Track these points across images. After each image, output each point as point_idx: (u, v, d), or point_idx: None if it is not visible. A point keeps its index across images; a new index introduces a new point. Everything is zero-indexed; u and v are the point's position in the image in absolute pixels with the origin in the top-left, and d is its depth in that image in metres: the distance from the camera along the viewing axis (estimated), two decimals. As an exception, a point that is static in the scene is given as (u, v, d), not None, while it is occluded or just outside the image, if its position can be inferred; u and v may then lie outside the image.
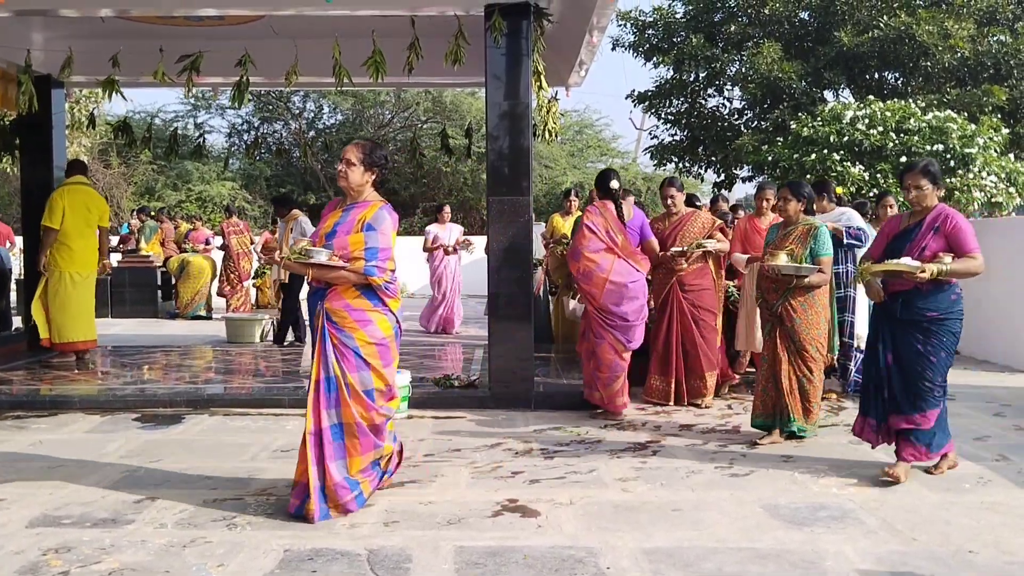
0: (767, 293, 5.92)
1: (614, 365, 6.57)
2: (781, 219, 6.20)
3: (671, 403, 7.00)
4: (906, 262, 4.87)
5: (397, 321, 4.55)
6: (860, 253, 7.25)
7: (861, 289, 7.60)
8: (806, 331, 5.76)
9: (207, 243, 15.12)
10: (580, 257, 6.59)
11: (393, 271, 4.49)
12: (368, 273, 4.35)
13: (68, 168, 8.73)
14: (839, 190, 8.04)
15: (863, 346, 7.35)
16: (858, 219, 7.50)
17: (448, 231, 12.07)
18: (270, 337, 10.69)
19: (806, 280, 5.66)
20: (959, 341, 5.08)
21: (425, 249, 12.07)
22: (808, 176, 10.35)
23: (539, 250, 10.17)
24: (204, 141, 12.08)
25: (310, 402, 4.39)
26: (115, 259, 14.31)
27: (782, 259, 5.73)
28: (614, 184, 6.75)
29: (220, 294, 14.27)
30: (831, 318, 6.06)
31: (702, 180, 17.26)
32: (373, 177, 4.55)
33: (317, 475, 4.31)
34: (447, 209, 12.29)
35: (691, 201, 8.18)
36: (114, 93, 8.20)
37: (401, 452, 4.90)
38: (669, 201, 7.17)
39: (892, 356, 5.10)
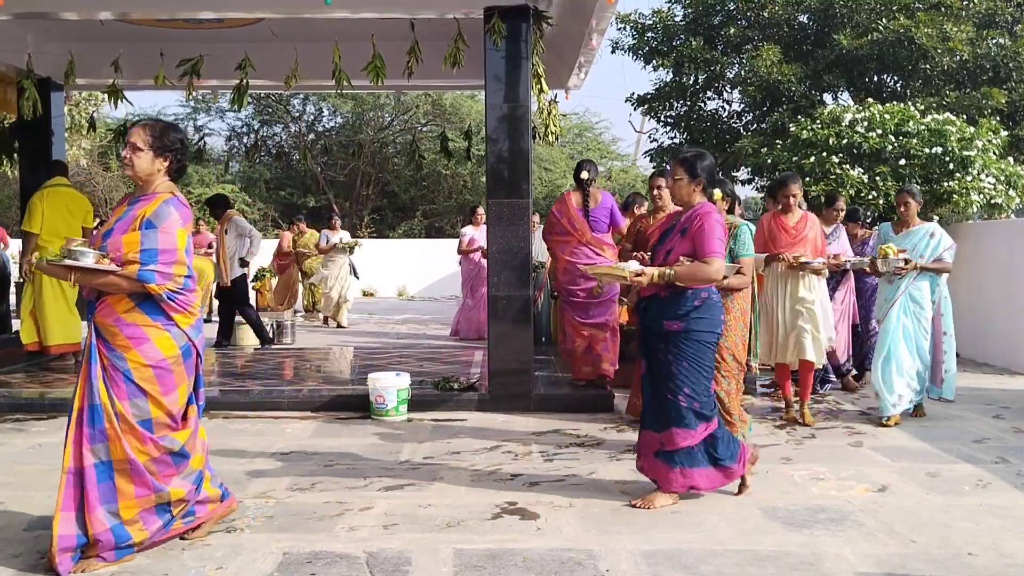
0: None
1: (574, 336, 7.43)
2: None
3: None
4: (626, 265, 4.55)
5: (190, 339, 3.84)
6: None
7: (843, 292, 7.70)
8: (723, 338, 5.09)
9: (210, 247, 15.12)
10: (548, 241, 7.66)
11: (186, 277, 3.79)
12: (143, 279, 3.65)
13: (50, 169, 8.71)
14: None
15: (834, 345, 7.59)
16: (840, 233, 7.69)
17: (483, 233, 11.90)
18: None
19: (725, 282, 4.97)
20: (713, 351, 4.60)
21: (460, 252, 11.62)
22: (807, 179, 10.36)
23: (541, 252, 10.15)
24: (204, 144, 12.10)
25: (69, 436, 3.73)
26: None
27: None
28: (583, 175, 7.33)
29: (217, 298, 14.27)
30: (751, 324, 5.66)
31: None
32: (166, 164, 3.90)
33: (69, 524, 3.63)
34: (481, 211, 11.44)
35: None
36: (119, 100, 8.23)
37: (227, 501, 4.18)
38: (655, 193, 6.61)
39: (645, 366, 4.69)
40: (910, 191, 6.78)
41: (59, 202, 8.31)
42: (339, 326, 13.27)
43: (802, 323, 6.49)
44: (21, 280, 11.16)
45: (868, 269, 6.89)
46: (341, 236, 13.66)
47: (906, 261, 6.50)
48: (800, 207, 6.75)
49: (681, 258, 4.48)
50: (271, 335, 10.56)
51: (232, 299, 10.24)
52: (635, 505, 4.53)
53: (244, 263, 10.16)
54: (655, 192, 6.61)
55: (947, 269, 6.74)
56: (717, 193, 4.96)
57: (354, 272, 13.65)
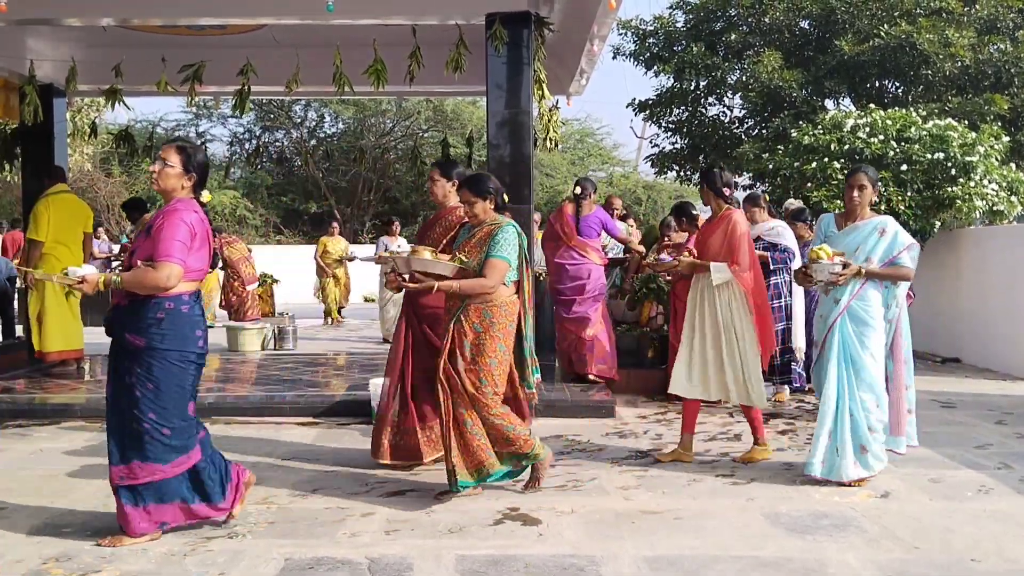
0: (444, 311, 4.88)
1: (563, 333, 7.95)
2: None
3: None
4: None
5: None
6: (795, 264, 7.50)
7: (798, 297, 7.64)
8: (473, 361, 4.63)
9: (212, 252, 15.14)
10: (544, 249, 8.21)
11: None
12: None
13: (48, 176, 8.67)
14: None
15: (802, 356, 7.60)
16: (788, 234, 7.60)
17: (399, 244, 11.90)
18: (271, 345, 10.68)
19: (457, 287, 4.61)
20: (191, 371, 4.04)
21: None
22: (809, 184, 10.36)
23: (542, 262, 10.17)
24: (206, 150, 12.10)
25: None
26: (115, 267, 14.30)
27: (425, 255, 4.75)
28: (576, 189, 7.99)
29: (222, 307, 14.24)
30: (522, 340, 4.85)
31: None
32: (191, 183, 4.13)
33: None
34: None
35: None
36: (117, 103, 8.23)
37: None
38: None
39: (109, 387, 4.08)
40: (864, 171, 5.22)
41: (63, 209, 8.33)
42: (386, 341, 12.13)
43: (727, 359, 5.48)
44: (22, 286, 11.17)
45: (798, 280, 5.40)
46: (400, 243, 12.27)
47: (845, 266, 5.02)
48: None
49: (139, 262, 3.94)
50: (273, 342, 10.52)
51: None
52: (101, 544, 4.00)
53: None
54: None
55: (905, 276, 5.15)
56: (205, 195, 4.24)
57: None
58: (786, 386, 7.67)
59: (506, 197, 5.00)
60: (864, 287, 5.11)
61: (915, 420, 5.31)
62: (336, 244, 14.88)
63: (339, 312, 14.98)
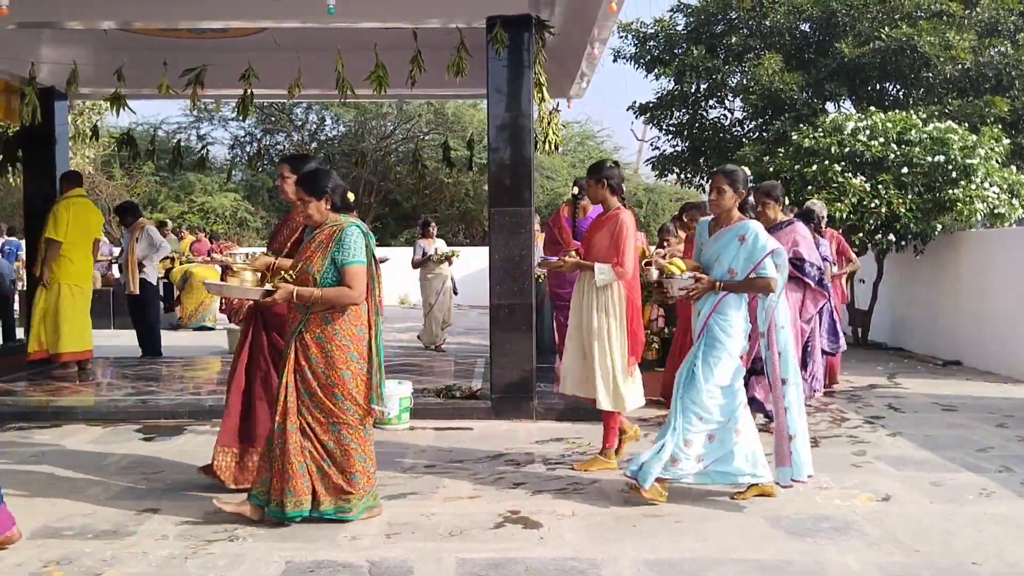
0: (288, 323, 4.54)
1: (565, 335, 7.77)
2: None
3: None
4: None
5: None
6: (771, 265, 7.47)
7: (782, 300, 7.55)
8: (326, 376, 4.32)
9: (209, 255, 15.13)
10: (544, 250, 8.11)
11: None
12: None
13: (66, 180, 8.72)
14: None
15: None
16: (769, 239, 7.56)
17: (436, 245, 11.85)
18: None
19: (319, 295, 4.29)
20: None
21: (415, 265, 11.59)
22: (810, 187, 10.36)
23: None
24: (207, 153, 12.12)
25: None
26: (115, 271, 14.31)
27: (244, 276, 4.55)
28: (574, 190, 7.68)
29: (222, 311, 14.24)
30: (374, 355, 4.43)
31: (703, 191, 17.27)
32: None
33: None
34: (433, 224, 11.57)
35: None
36: (121, 108, 8.26)
37: None
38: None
39: None
40: (723, 172, 4.91)
41: (81, 213, 8.45)
42: (438, 349, 11.18)
43: (599, 360, 5.33)
44: (23, 288, 11.18)
45: (654, 296, 5.29)
46: (437, 246, 11.62)
47: (697, 279, 4.76)
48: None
49: None
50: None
51: (138, 306, 10.12)
52: None
53: (141, 267, 10.07)
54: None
55: (765, 287, 4.73)
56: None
57: (455, 288, 11.61)
58: None
59: (350, 196, 4.55)
60: (724, 301, 4.77)
61: (805, 447, 4.80)
62: (430, 247, 14.21)
63: None
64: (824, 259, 8.01)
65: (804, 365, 6.50)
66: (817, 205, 8.70)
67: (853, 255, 9.27)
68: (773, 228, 6.30)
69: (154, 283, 10.30)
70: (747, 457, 4.73)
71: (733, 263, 4.77)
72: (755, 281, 4.74)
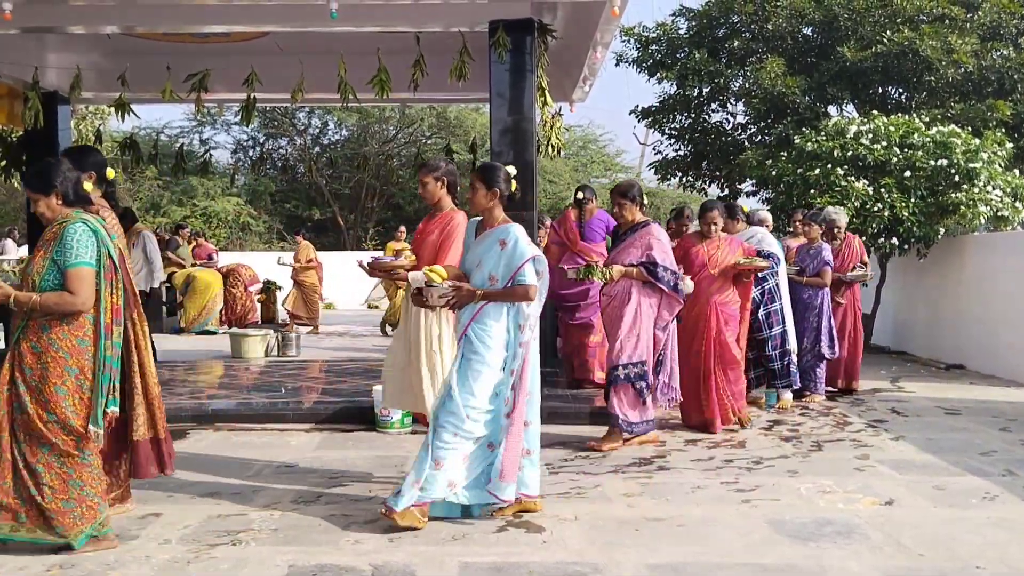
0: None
1: (566, 337, 8.18)
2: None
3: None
4: None
5: None
6: (782, 269, 7.65)
7: (787, 300, 7.63)
8: (38, 391, 3.91)
9: (209, 258, 15.15)
10: (548, 255, 7.84)
11: None
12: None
13: None
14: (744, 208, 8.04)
15: (795, 358, 7.62)
16: (770, 239, 7.61)
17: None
18: (275, 352, 10.69)
19: (38, 301, 3.89)
20: None
21: None
22: (812, 191, 10.35)
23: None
24: (210, 157, 12.12)
25: None
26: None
27: None
28: (579, 195, 7.99)
29: (223, 320, 14.23)
30: (99, 371, 3.98)
31: (706, 195, 17.26)
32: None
33: None
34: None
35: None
36: (126, 114, 8.27)
37: None
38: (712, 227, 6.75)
39: None
40: (477, 169, 4.77)
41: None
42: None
43: (425, 366, 5.03)
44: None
45: (413, 301, 4.71)
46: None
47: (457, 288, 4.48)
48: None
49: None
50: (277, 349, 10.52)
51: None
52: None
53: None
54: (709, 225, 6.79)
55: (523, 296, 4.46)
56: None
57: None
58: (788, 390, 7.63)
59: (88, 186, 4.20)
60: (483, 310, 4.49)
61: (536, 465, 4.61)
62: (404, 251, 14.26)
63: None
64: (826, 264, 8.01)
65: (656, 373, 6.18)
66: (835, 211, 8.65)
67: (866, 260, 8.80)
68: (629, 230, 6.16)
69: (145, 290, 10.10)
70: (506, 474, 4.42)
71: (494, 269, 4.50)
72: (515, 289, 4.45)
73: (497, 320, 4.49)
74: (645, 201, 6.24)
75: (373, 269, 5.44)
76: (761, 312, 7.48)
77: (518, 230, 4.57)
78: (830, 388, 8.37)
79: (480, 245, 4.61)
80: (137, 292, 4.48)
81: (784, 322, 7.59)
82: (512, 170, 4.75)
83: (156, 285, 10.14)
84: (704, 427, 6.65)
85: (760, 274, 7.40)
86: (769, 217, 8.67)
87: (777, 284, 7.58)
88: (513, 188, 4.71)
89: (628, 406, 6.05)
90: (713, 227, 6.71)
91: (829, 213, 8.58)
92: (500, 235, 4.56)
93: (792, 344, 7.62)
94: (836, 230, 8.46)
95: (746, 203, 11.34)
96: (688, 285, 6.23)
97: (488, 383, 4.44)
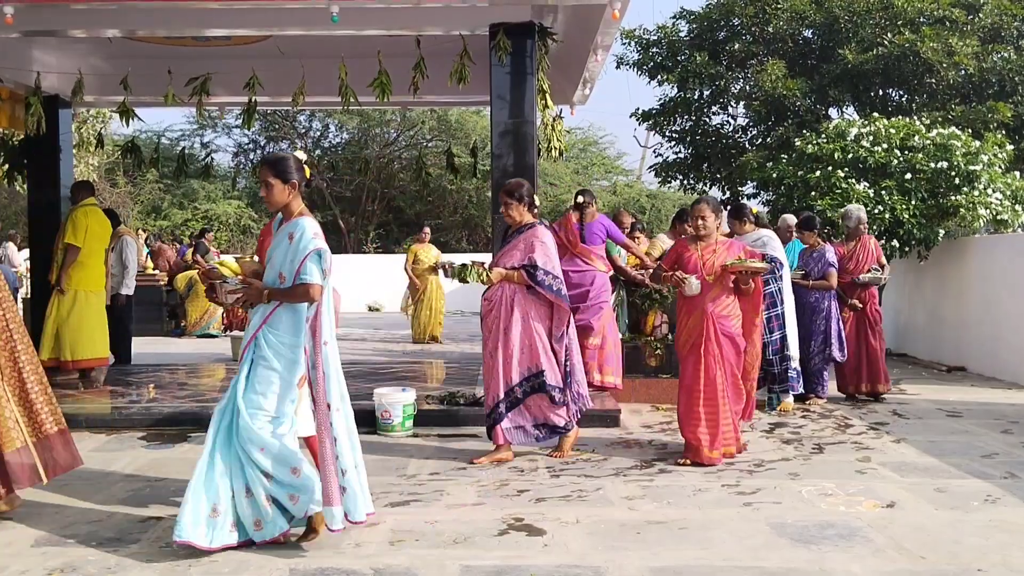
0: None
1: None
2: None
3: None
4: None
5: None
6: (786, 274, 7.62)
7: (790, 305, 7.61)
8: None
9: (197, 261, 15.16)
10: None
11: None
12: None
13: (79, 190, 8.71)
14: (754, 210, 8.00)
15: (796, 363, 7.58)
16: (775, 243, 7.59)
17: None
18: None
19: None
20: None
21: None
22: (813, 193, 10.36)
23: None
24: (212, 160, 12.12)
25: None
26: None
27: None
28: (579, 199, 7.85)
29: (224, 323, 14.24)
30: None
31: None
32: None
33: None
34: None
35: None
36: (130, 118, 8.29)
37: None
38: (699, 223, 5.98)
39: None
40: (265, 160, 4.34)
41: (96, 222, 8.44)
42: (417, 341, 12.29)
43: None
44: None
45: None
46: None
47: (247, 284, 4.27)
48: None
49: None
50: None
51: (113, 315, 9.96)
52: None
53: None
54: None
55: (303, 296, 4.11)
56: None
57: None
58: (788, 394, 7.64)
59: None
60: (275, 312, 4.15)
61: (361, 481, 4.25)
62: (427, 252, 13.26)
63: (434, 336, 13.01)
64: (830, 266, 8.00)
65: (567, 386, 5.79)
66: (853, 210, 8.49)
67: (884, 262, 8.45)
68: (516, 231, 5.86)
69: (129, 293, 10.05)
70: (298, 493, 4.08)
71: (283, 266, 4.15)
72: (295, 288, 4.08)
73: (289, 324, 4.13)
74: (537, 202, 5.89)
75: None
76: (762, 316, 7.47)
77: (308, 222, 4.18)
78: (861, 396, 8.18)
79: (275, 240, 4.26)
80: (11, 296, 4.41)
81: (785, 327, 7.57)
82: (302, 155, 4.34)
83: (129, 292, 9.98)
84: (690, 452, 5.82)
85: (764, 277, 7.39)
86: (793, 219, 8.54)
87: (780, 289, 7.55)
88: (307, 174, 4.30)
89: (544, 409, 5.78)
90: (700, 223, 5.88)
91: (851, 211, 8.46)
92: (290, 229, 4.19)
93: (793, 350, 7.59)
94: (862, 227, 8.30)
95: (754, 205, 11.30)
96: (693, 285, 5.72)
97: (279, 395, 4.11)
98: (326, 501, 4.05)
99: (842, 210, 8.90)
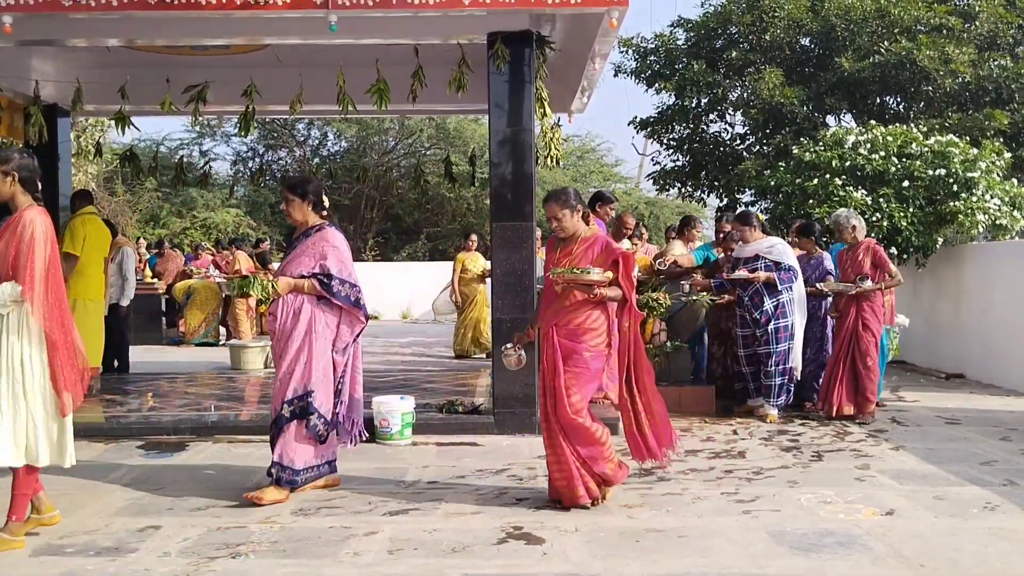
0: None
1: None
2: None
3: None
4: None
5: None
6: (799, 282, 7.55)
7: (800, 316, 7.57)
8: None
9: (210, 269, 15.17)
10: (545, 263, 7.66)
11: None
12: None
13: (78, 199, 8.73)
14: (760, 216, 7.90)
15: (797, 375, 7.55)
16: (788, 251, 7.55)
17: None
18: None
19: None
20: None
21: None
22: (811, 201, 10.37)
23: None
24: (210, 169, 12.12)
25: None
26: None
27: None
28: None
29: (223, 323, 14.22)
30: None
31: (705, 205, 17.31)
32: None
33: None
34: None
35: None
36: (128, 127, 8.29)
37: None
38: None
39: None
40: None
41: (94, 231, 8.45)
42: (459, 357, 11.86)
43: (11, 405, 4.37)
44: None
45: None
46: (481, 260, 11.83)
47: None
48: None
49: None
50: (271, 360, 10.39)
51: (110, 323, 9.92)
52: None
53: None
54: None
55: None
56: None
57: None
58: (775, 408, 7.49)
59: None
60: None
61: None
62: (475, 261, 12.33)
63: (476, 345, 12.05)
64: (827, 273, 7.97)
65: (336, 404, 5.23)
66: (853, 215, 8.00)
67: (892, 269, 7.95)
68: (302, 234, 5.26)
69: (125, 305, 10.03)
70: None
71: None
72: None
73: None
74: (325, 202, 5.24)
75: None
76: (771, 326, 7.42)
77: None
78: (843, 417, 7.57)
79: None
80: None
81: (792, 339, 7.50)
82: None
83: (126, 303, 9.98)
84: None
85: (779, 287, 7.36)
86: (851, 217, 7.92)
87: (792, 299, 7.47)
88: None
89: (294, 449, 5.07)
90: (556, 225, 5.02)
91: (835, 217, 8.05)
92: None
93: (796, 362, 7.54)
94: (847, 233, 7.76)
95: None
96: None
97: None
98: None
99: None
